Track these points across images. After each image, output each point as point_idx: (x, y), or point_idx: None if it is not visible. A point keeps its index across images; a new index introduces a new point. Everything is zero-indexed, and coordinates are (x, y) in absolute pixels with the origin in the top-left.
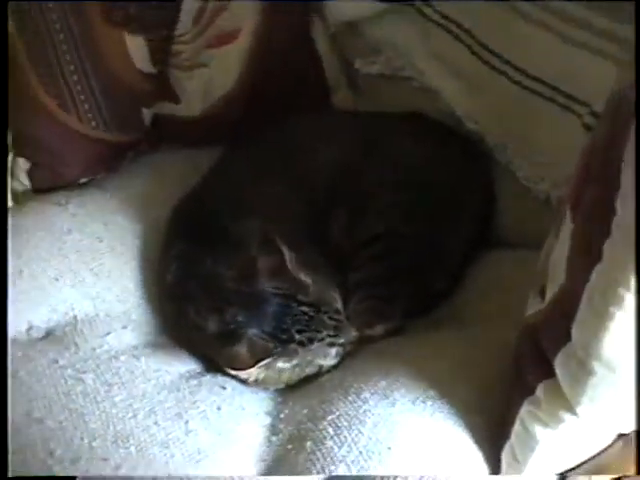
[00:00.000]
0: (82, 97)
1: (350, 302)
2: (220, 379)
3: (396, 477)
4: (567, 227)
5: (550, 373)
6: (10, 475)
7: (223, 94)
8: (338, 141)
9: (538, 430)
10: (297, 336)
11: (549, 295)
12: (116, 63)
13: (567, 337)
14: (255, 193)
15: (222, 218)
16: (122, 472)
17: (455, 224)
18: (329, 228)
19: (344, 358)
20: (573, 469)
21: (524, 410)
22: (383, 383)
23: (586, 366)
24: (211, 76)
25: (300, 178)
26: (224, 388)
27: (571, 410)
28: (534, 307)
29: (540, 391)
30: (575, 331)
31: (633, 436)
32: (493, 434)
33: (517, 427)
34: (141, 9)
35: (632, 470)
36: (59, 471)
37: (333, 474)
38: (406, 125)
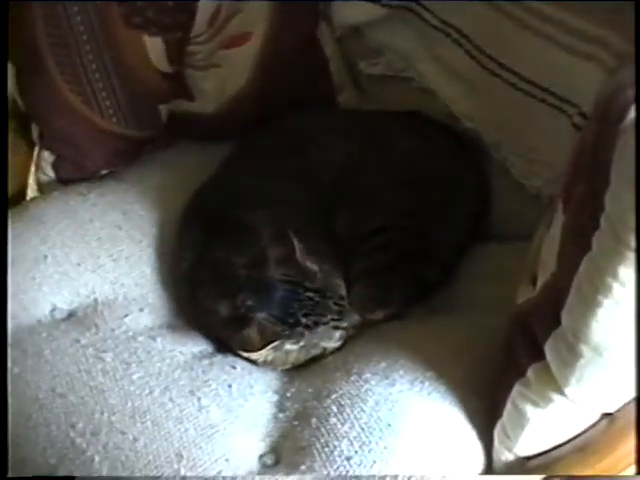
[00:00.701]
0: (104, 94)
1: (352, 289)
2: (231, 359)
3: None
4: (559, 219)
5: (540, 356)
6: (10, 475)
7: (235, 93)
8: (342, 137)
9: (528, 409)
10: (303, 320)
11: (540, 283)
12: (135, 63)
13: (557, 322)
14: (264, 186)
15: (234, 209)
16: (139, 445)
17: (451, 217)
18: (334, 221)
19: (347, 341)
20: (560, 446)
21: (515, 391)
22: (383, 364)
23: (575, 350)
24: (224, 76)
25: (306, 172)
26: (234, 367)
27: (560, 391)
28: (526, 295)
29: (531, 373)
30: (565, 317)
31: (618, 416)
32: (486, 412)
33: (509, 406)
34: (159, 13)
35: (616, 448)
36: (80, 442)
37: (337, 449)
38: (406, 123)
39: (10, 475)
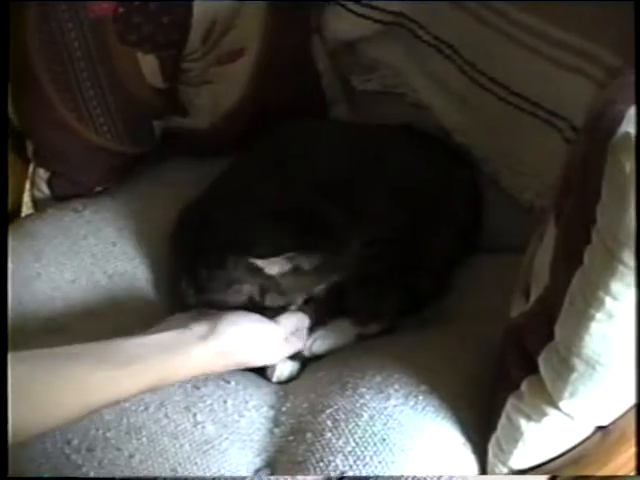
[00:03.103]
0: (98, 111)
1: (346, 301)
2: (225, 374)
3: None
4: (551, 232)
5: (534, 369)
6: (10, 475)
7: (229, 108)
8: (333, 149)
9: (522, 423)
10: None
11: (533, 296)
12: (129, 79)
13: (550, 336)
14: (253, 200)
15: (217, 230)
16: (135, 461)
17: (443, 229)
18: (322, 231)
19: (342, 354)
20: (555, 459)
21: (509, 404)
22: (378, 378)
23: (568, 363)
24: (218, 91)
25: (293, 182)
26: (229, 382)
27: (554, 404)
28: (519, 308)
29: (525, 386)
30: (558, 330)
31: (613, 429)
32: (480, 426)
33: (503, 420)
34: (153, 30)
35: (611, 460)
36: (76, 459)
37: (332, 464)
38: (398, 136)
39: (10, 475)
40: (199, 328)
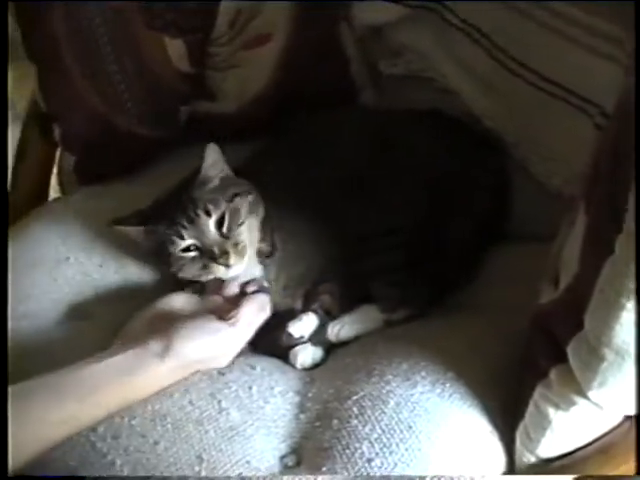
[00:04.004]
0: (124, 96)
1: (371, 288)
2: (250, 359)
3: None
4: (581, 220)
5: (562, 358)
6: (10, 475)
7: (255, 93)
8: (359, 135)
9: (551, 412)
10: None
11: (563, 284)
12: (156, 64)
13: (580, 325)
14: (277, 185)
15: None
16: (160, 448)
17: (470, 216)
18: (345, 219)
19: (369, 341)
20: (583, 448)
21: (537, 393)
22: (405, 366)
23: (597, 352)
24: (245, 76)
25: (320, 169)
26: (254, 368)
27: (582, 393)
28: (547, 296)
29: (553, 375)
30: (588, 319)
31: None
32: (507, 414)
33: (531, 408)
34: (180, 15)
35: None
36: (101, 447)
37: (358, 451)
38: (425, 122)
39: (10, 475)
40: (155, 345)
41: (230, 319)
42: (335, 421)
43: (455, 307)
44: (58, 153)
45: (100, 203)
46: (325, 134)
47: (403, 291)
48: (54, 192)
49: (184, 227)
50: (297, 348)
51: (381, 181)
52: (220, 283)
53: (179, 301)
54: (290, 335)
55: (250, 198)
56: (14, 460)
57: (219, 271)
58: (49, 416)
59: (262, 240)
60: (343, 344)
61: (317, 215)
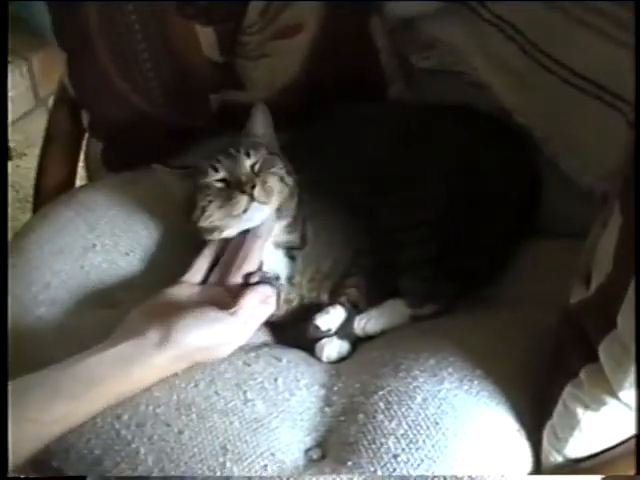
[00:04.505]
0: (154, 83)
1: (400, 282)
2: (276, 351)
3: None
4: (616, 219)
5: (593, 358)
6: (10, 475)
7: (285, 83)
8: (389, 128)
9: (580, 411)
10: None
11: (595, 284)
12: (187, 52)
13: (612, 324)
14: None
15: None
16: (184, 437)
17: (499, 210)
18: (376, 213)
19: (395, 335)
20: (612, 448)
21: (567, 392)
22: (432, 361)
23: (630, 352)
24: (274, 66)
25: (350, 162)
26: (280, 360)
27: (613, 394)
28: (579, 295)
29: (583, 374)
30: (621, 319)
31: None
32: (535, 412)
33: (559, 407)
34: (211, 3)
35: None
36: (126, 434)
37: (383, 446)
38: (455, 116)
39: (10, 475)
40: (154, 335)
41: (230, 309)
42: (361, 415)
43: (484, 302)
44: (85, 139)
45: (128, 190)
46: (354, 127)
47: (431, 286)
48: (80, 180)
49: (219, 162)
50: (323, 341)
51: (411, 174)
52: (240, 243)
53: (180, 292)
54: (317, 327)
55: (287, 173)
56: (13, 458)
57: (242, 202)
58: (43, 416)
59: (292, 231)
60: (369, 338)
61: (346, 208)
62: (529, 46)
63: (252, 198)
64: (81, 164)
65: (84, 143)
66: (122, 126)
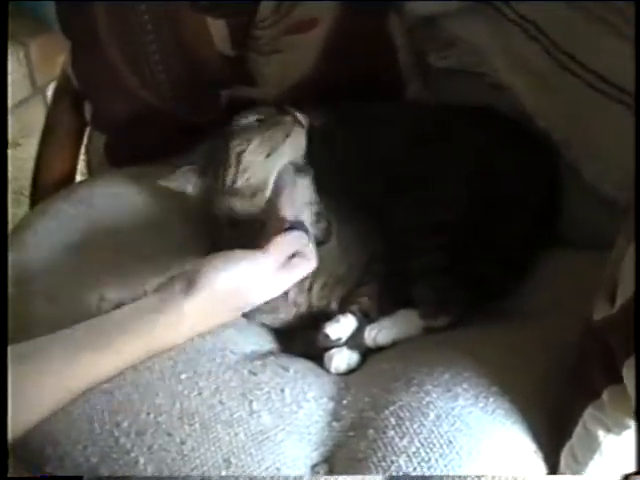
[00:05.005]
0: (162, 76)
1: (413, 291)
2: (283, 360)
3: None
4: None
5: (617, 378)
6: (10, 475)
7: (298, 79)
8: (405, 128)
9: (601, 434)
10: None
11: (620, 301)
12: (198, 45)
13: (637, 345)
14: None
15: None
16: (187, 448)
17: (518, 217)
18: (388, 214)
19: (407, 347)
20: (633, 474)
21: (588, 413)
22: (446, 376)
23: None
24: (287, 61)
25: (365, 161)
26: (287, 370)
27: (637, 417)
28: (603, 312)
29: (606, 396)
30: None
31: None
32: (553, 432)
33: (579, 429)
34: None
35: None
36: (125, 442)
37: (394, 464)
38: (473, 117)
39: (10, 475)
40: (180, 282)
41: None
42: (371, 431)
43: (501, 314)
44: (87, 132)
45: (131, 186)
46: (370, 127)
47: (446, 296)
48: (80, 174)
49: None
50: (332, 351)
51: (427, 174)
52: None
53: None
54: (327, 336)
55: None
56: (33, 413)
57: (288, 122)
58: (67, 369)
59: (318, 221)
60: (380, 349)
61: (361, 213)
62: (553, 48)
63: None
64: (82, 157)
65: (85, 136)
66: (128, 120)
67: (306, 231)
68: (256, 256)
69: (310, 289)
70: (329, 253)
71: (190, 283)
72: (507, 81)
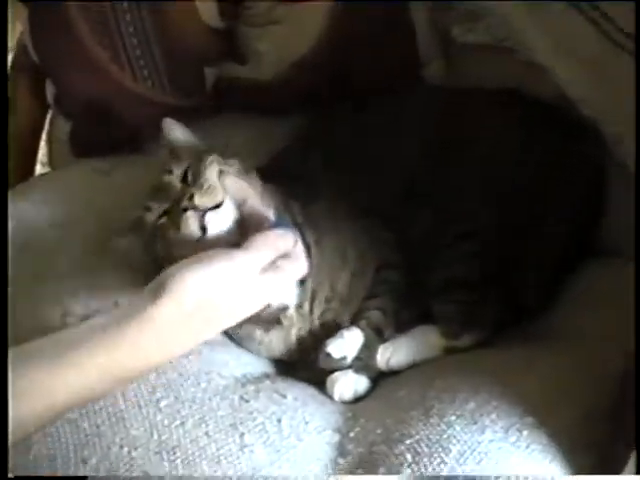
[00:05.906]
0: (138, 52)
1: (434, 307)
2: (280, 385)
3: None
4: None
5: None
6: (10, 475)
7: (298, 58)
8: (425, 122)
9: None
10: None
11: None
12: (180, 16)
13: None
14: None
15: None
16: None
17: (553, 224)
18: (411, 222)
19: (426, 371)
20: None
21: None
22: (472, 405)
23: None
24: (286, 35)
25: (381, 163)
26: (285, 397)
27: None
28: None
29: None
30: None
31: None
32: (596, 472)
33: (630, 468)
34: None
35: None
36: None
37: None
38: (502, 105)
39: (10, 475)
40: (149, 287)
41: None
42: (382, 470)
43: (533, 334)
44: (49, 117)
45: (101, 181)
46: (381, 121)
47: (471, 312)
48: (40, 166)
49: (151, 198)
50: (336, 374)
51: (451, 180)
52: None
53: None
54: (328, 356)
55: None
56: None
57: (190, 219)
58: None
59: None
60: (393, 373)
61: (370, 219)
62: (602, 19)
63: (194, 207)
64: (43, 145)
65: (47, 121)
66: (97, 103)
67: (291, 230)
68: (234, 255)
69: (311, 309)
70: (320, 267)
71: (158, 287)
72: (543, 60)
